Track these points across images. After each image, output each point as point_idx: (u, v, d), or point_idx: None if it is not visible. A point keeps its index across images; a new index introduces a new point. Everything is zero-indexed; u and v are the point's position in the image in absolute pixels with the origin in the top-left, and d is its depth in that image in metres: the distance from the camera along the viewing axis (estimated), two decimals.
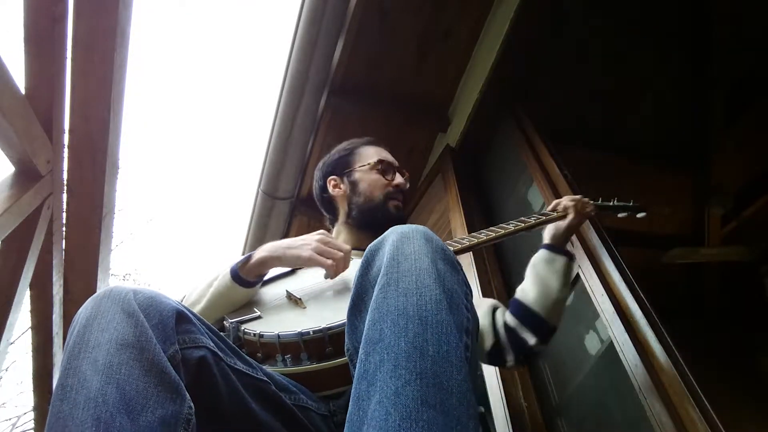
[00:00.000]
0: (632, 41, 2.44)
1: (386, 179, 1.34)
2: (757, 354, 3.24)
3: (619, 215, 1.48)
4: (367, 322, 0.68)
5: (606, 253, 1.56)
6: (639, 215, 1.49)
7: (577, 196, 1.33)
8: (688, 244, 3.15)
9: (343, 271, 1.03)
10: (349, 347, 0.76)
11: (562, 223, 1.29)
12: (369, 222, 1.31)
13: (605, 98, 2.55)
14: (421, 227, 0.79)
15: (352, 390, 0.63)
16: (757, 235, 3.10)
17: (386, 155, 1.40)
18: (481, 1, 2.21)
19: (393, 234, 0.78)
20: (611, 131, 2.70)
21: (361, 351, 0.66)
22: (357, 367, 0.65)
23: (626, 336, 1.37)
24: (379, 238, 0.80)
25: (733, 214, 3.18)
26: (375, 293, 0.70)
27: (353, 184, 1.35)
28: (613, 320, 1.43)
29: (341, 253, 1.03)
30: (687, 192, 3.12)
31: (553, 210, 1.32)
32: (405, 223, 1.35)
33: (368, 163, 1.35)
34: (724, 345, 3.26)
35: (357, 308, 0.76)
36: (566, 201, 1.32)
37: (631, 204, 1.48)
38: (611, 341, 1.43)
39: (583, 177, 1.87)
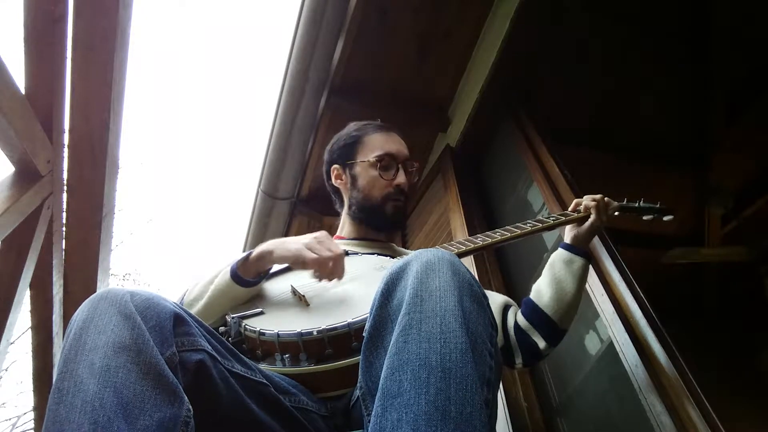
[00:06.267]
0: (632, 41, 2.44)
1: (385, 179, 1.28)
2: (757, 354, 3.25)
3: (644, 218, 1.44)
4: (385, 367, 0.64)
5: (606, 253, 1.56)
6: (666, 218, 1.44)
7: (598, 196, 1.30)
8: (688, 244, 3.16)
9: (334, 276, 0.99)
10: (362, 386, 0.72)
11: (585, 223, 1.26)
12: (367, 220, 1.30)
13: (605, 98, 2.55)
14: (447, 254, 0.74)
15: None
16: (757, 235, 3.11)
17: (391, 147, 1.32)
18: (481, 1, 2.21)
19: (417, 262, 0.73)
20: (611, 131, 2.70)
21: (377, 403, 0.62)
22: (372, 421, 0.61)
23: (626, 336, 1.37)
24: (402, 262, 0.75)
25: (733, 214, 3.19)
26: (395, 336, 0.66)
27: (353, 178, 1.32)
28: (613, 320, 1.43)
29: (329, 252, 0.98)
30: (687, 192, 3.12)
31: (574, 210, 1.30)
32: (404, 221, 1.32)
33: (368, 160, 1.30)
34: (724, 345, 3.26)
35: (373, 343, 0.72)
36: (587, 201, 1.29)
37: (658, 206, 1.44)
38: (611, 341, 1.43)
39: (583, 177, 1.87)
